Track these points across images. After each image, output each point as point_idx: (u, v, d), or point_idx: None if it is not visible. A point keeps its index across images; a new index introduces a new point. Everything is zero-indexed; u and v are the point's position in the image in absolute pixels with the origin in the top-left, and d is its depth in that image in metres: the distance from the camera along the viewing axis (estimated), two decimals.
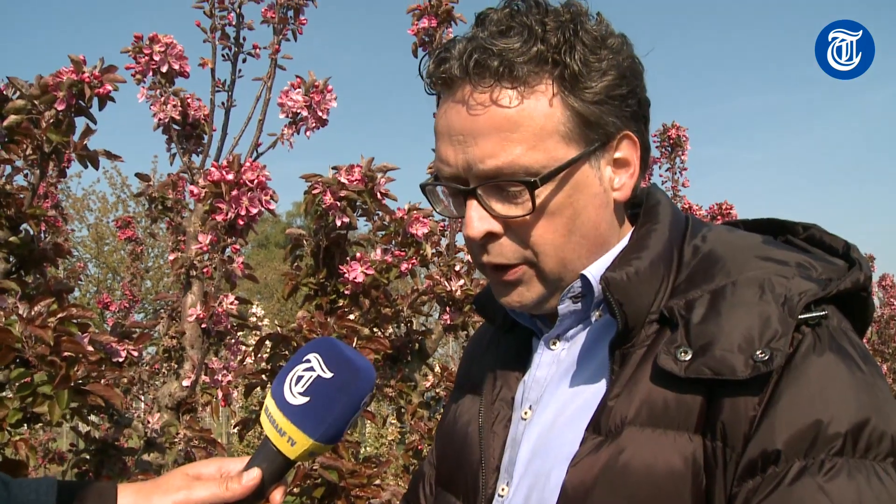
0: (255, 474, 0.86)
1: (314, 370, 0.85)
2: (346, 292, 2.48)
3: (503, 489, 0.92)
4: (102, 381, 1.75)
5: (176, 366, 2.18)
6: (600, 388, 0.87)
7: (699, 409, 0.79)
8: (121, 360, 2.03)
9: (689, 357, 0.79)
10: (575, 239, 0.88)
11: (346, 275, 2.42)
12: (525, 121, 0.84)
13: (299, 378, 0.86)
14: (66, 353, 1.71)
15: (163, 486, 0.88)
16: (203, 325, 2.14)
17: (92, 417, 1.91)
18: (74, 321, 1.80)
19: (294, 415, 0.85)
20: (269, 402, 0.87)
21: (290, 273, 2.57)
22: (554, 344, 0.96)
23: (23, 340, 1.68)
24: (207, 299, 2.10)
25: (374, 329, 2.62)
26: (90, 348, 1.78)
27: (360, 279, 2.42)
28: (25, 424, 1.78)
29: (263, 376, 2.27)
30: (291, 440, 0.85)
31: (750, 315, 0.80)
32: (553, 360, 0.95)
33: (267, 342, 2.38)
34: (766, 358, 0.76)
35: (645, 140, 0.91)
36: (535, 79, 0.84)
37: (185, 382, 2.11)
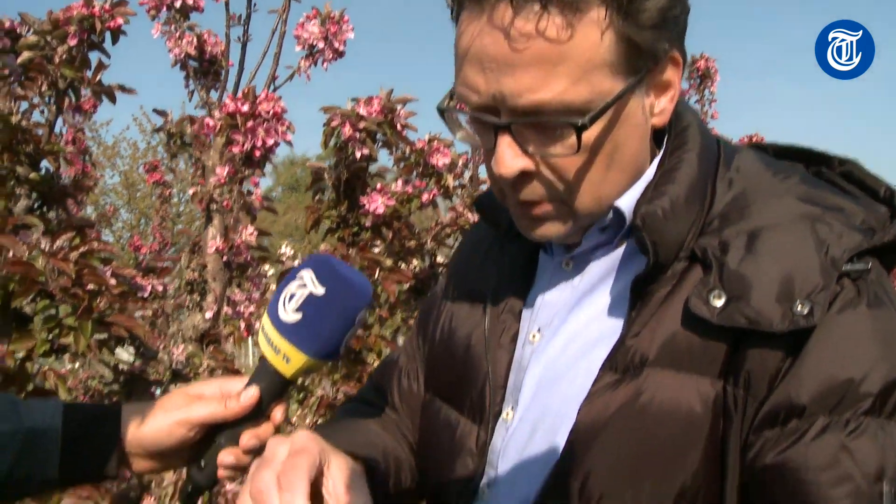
0: (252, 392, 0.86)
1: (306, 286, 0.84)
2: (367, 224, 2.47)
3: (508, 413, 0.89)
4: (125, 312, 1.77)
5: (199, 298, 2.21)
6: (617, 322, 0.83)
7: (724, 356, 0.76)
8: (145, 294, 2.05)
9: (721, 302, 0.75)
10: (613, 174, 0.81)
11: (367, 206, 2.41)
12: (572, 52, 0.73)
13: (292, 295, 0.84)
14: (88, 286, 1.73)
15: (165, 406, 0.90)
16: (224, 258, 2.15)
17: (120, 351, 1.95)
18: (97, 255, 1.81)
19: (288, 332, 0.84)
20: (265, 320, 0.86)
21: (312, 206, 2.57)
22: (567, 265, 0.90)
23: (45, 274, 1.70)
24: (227, 231, 2.11)
25: (399, 262, 2.61)
26: (112, 281, 1.79)
27: (380, 210, 2.41)
28: (54, 356, 1.82)
29: None
30: (287, 358, 0.85)
31: (790, 262, 0.75)
32: (566, 282, 0.89)
33: None
34: (807, 312, 0.72)
35: (685, 54, 0.82)
36: (586, 2, 0.72)
37: (208, 314, 2.14)
